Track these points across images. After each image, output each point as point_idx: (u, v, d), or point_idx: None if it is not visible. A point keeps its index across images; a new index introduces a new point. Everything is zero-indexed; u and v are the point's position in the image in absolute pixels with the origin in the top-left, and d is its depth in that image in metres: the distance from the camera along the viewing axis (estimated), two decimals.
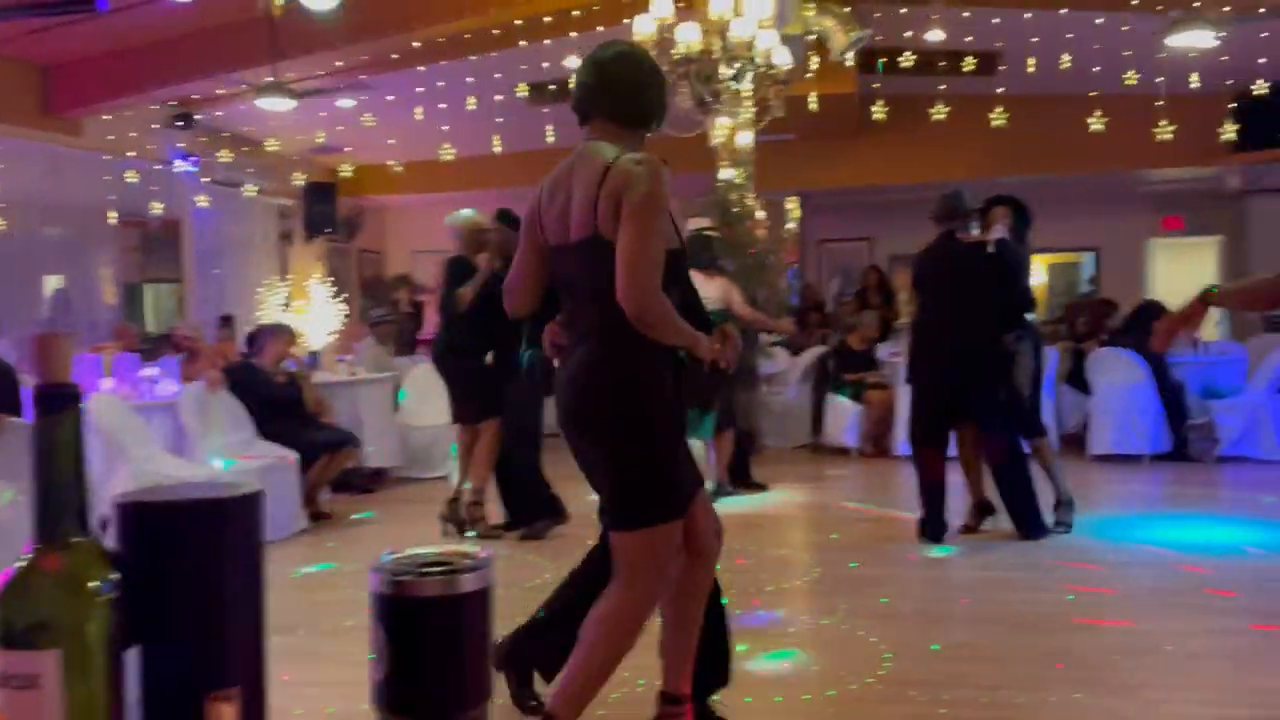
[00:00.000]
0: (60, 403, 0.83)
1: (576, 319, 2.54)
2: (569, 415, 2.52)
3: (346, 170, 10.74)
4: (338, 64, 8.32)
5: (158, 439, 5.81)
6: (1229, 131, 7.92)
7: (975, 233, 5.61)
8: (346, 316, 11.89)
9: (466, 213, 5.87)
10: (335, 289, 12.08)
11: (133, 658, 0.86)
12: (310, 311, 11.59)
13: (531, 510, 5.66)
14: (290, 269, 11.94)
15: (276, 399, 6.43)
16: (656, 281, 2.35)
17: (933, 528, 5.45)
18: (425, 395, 7.87)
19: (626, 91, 2.59)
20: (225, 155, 9.65)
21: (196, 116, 9.46)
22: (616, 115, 2.59)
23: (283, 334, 6.77)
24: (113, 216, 9.13)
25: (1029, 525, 5.41)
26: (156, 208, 9.39)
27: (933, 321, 5.51)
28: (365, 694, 1.38)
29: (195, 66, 8.11)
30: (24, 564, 0.84)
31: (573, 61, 8.64)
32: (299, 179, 10.34)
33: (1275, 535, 5.49)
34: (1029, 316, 5.73)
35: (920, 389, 5.61)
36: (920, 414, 5.61)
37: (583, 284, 2.49)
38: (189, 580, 0.88)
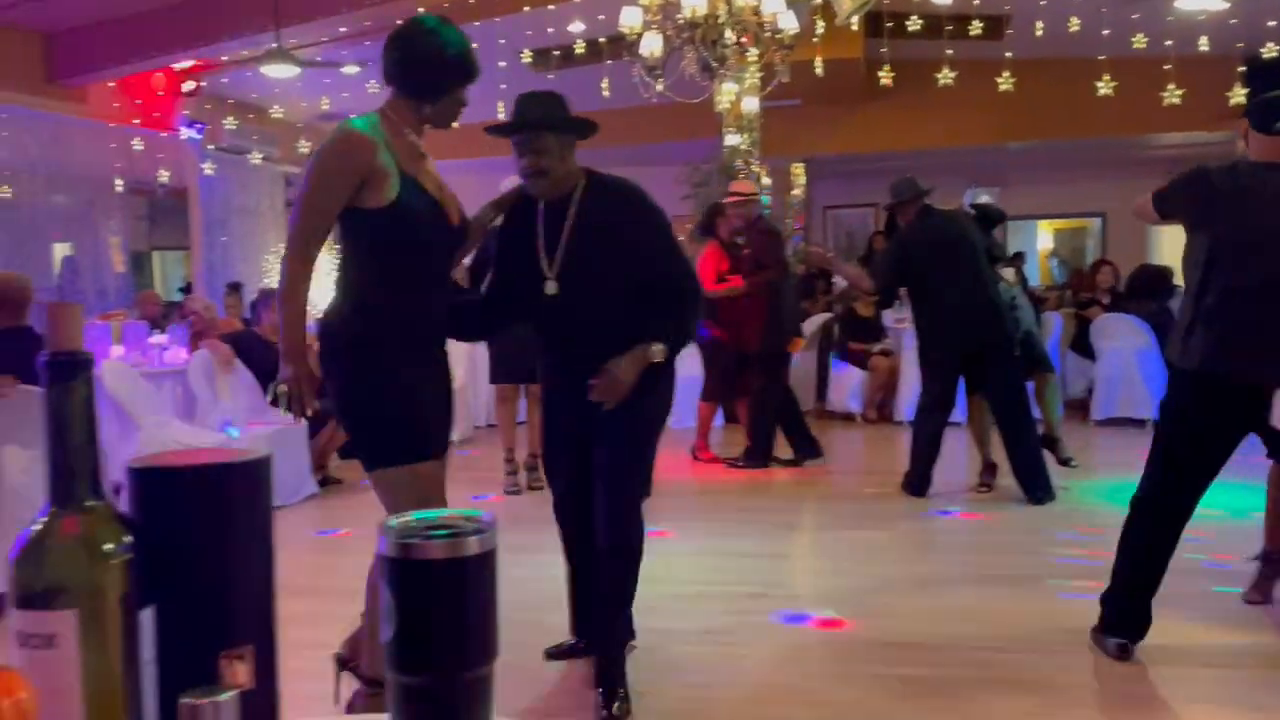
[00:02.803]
0: (72, 370, 0.85)
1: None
2: None
3: None
4: (341, 30, 8.28)
5: (167, 406, 5.86)
6: (1238, 95, 7.84)
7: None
8: None
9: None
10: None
11: (148, 618, 0.89)
12: (316, 280, 11.59)
13: None
14: None
15: (278, 367, 6.46)
16: (296, 248, 2.55)
17: (920, 483, 5.71)
18: None
19: (404, 59, 2.61)
20: (230, 122, 9.63)
21: (201, 83, 9.43)
22: (392, 80, 2.64)
23: (273, 302, 6.78)
24: (119, 184, 9.13)
25: (1036, 488, 5.46)
26: (163, 175, 9.38)
27: (958, 289, 5.50)
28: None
29: (199, 33, 8.08)
30: (39, 527, 0.86)
31: (578, 26, 8.58)
32: (304, 146, 10.31)
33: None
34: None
35: (942, 359, 5.64)
36: (944, 388, 5.66)
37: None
38: (200, 542, 0.91)
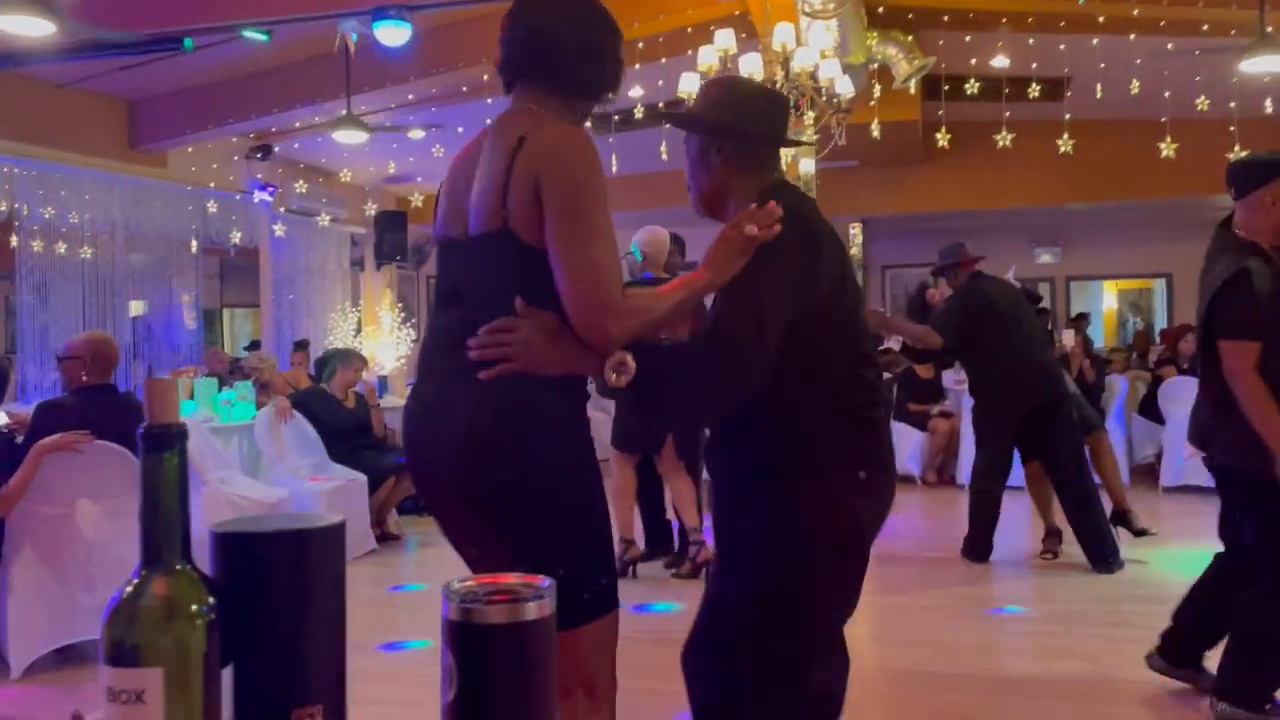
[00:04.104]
0: (166, 442, 0.91)
1: (466, 333, 1.78)
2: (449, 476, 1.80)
3: (418, 200, 11.00)
4: (409, 97, 8.55)
5: (234, 460, 6.00)
6: None
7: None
8: (414, 342, 12.14)
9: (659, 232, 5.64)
10: (404, 315, 12.34)
11: (227, 676, 0.94)
12: (380, 337, 11.86)
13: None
14: (361, 295, 12.23)
15: (346, 424, 6.60)
16: (619, 294, 1.74)
17: (980, 549, 5.62)
18: None
19: (568, 45, 1.91)
20: (301, 186, 9.95)
21: (274, 148, 9.79)
22: (551, 77, 1.92)
23: (351, 361, 6.95)
24: (194, 245, 9.47)
25: (1102, 555, 5.35)
26: (236, 236, 9.71)
27: (1017, 350, 5.47)
28: (431, 713, 1.42)
29: (273, 101, 8.40)
30: (131, 588, 0.91)
31: (637, 91, 8.76)
32: (370, 209, 10.61)
33: None
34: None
35: (1001, 421, 5.56)
36: (1003, 451, 5.61)
37: (480, 291, 1.81)
38: (278, 605, 0.96)
